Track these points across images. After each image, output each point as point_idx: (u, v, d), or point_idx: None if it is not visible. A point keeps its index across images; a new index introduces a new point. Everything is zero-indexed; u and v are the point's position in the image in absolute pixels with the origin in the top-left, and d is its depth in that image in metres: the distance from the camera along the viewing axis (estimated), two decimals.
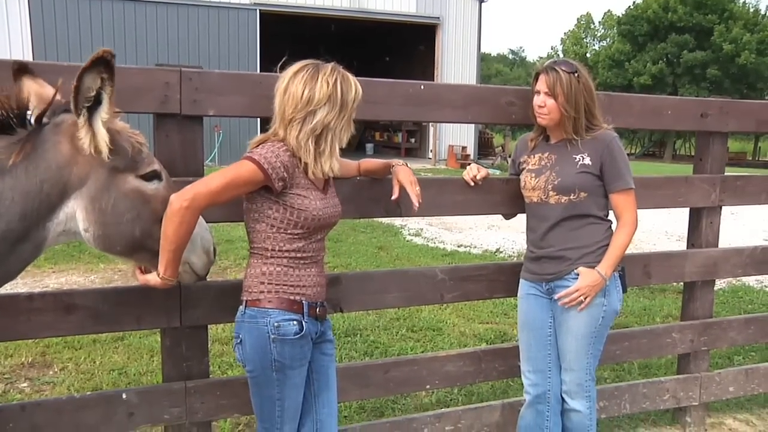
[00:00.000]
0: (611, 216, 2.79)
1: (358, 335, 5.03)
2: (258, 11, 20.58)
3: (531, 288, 2.86)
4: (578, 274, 2.68)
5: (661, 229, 10.37)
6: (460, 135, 24.08)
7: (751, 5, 45.66)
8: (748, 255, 3.64)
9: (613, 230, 2.76)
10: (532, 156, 2.85)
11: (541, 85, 2.68)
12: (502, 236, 9.59)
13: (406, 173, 2.56)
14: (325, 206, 2.23)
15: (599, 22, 57.39)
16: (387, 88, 2.76)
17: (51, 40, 17.66)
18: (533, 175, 2.79)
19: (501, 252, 8.60)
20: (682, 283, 3.70)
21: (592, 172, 2.68)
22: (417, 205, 2.50)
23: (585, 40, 56.41)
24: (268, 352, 2.16)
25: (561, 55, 53.54)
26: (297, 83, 2.14)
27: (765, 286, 7.14)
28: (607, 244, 2.71)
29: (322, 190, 2.26)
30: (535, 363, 2.86)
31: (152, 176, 2.02)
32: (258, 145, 2.18)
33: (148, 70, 2.39)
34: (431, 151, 24.21)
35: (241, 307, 2.23)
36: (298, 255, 2.21)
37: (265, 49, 20.02)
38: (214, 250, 2.22)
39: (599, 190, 2.72)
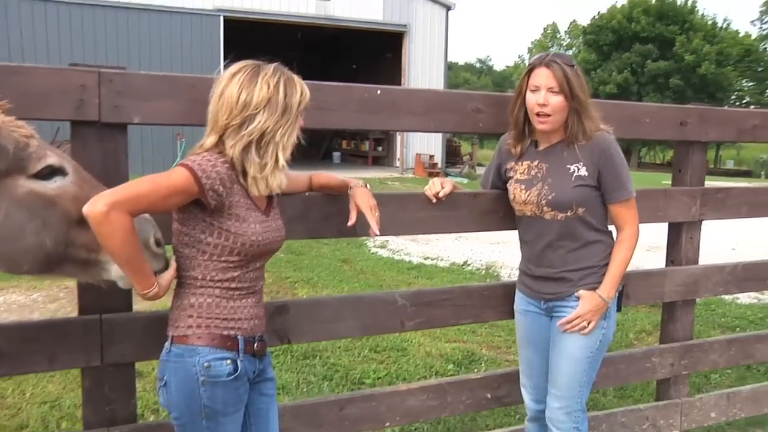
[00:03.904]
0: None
1: (317, 357, 4.72)
2: (221, 18, 20.15)
3: (529, 304, 2.62)
4: (578, 297, 2.45)
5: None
6: (427, 143, 23.90)
7: (709, 17, 46.67)
8: (730, 272, 3.43)
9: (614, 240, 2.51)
10: (519, 163, 2.54)
11: (544, 79, 2.33)
12: (470, 248, 9.36)
13: (364, 196, 2.27)
14: (266, 230, 1.93)
15: (565, 31, 58.16)
16: (340, 92, 2.47)
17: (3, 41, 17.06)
18: (523, 187, 2.50)
19: (468, 265, 8.35)
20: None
21: (589, 184, 2.41)
22: (377, 232, 2.22)
23: (551, 49, 56.94)
24: (197, 396, 1.87)
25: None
26: (233, 86, 1.87)
27: (736, 298, 7.00)
28: (609, 262, 2.47)
29: (263, 211, 1.96)
30: (536, 378, 2.67)
31: (50, 173, 1.70)
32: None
33: (60, 71, 2.06)
34: (398, 159, 24.00)
35: (167, 344, 1.92)
36: (233, 285, 1.91)
37: (229, 58, 19.60)
38: (157, 240, 1.89)
39: (597, 201, 2.45)
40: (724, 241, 10.16)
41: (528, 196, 2.48)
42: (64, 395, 3.93)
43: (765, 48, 49.95)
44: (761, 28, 50.23)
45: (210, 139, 1.89)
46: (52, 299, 6.09)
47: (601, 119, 2.47)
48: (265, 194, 1.95)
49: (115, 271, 1.83)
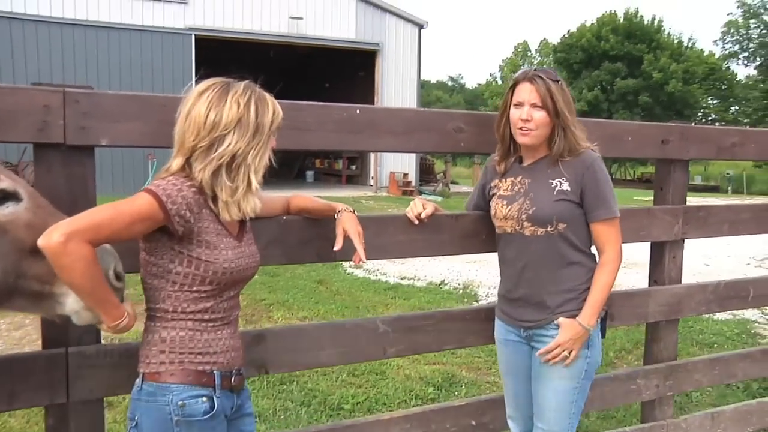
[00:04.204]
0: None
1: (294, 383, 4.60)
2: (193, 36, 19.99)
3: (509, 332, 2.53)
4: (558, 325, 2.36)
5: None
6: (401, 162, 23.91)
7: (675, 37, 47.72)
8: (712, 291, 3.40)
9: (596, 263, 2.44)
10: (503, 180, 2.48)
11: (528, 94, 2.28)
12: (446, 266, 9.29)
13: (352, 222, 2.17)
14: (239, 256, 1.83)
15: (536, 49, 58.86)
16: (317, 112, 2.38)
17: None
18: (505, 202, 2.43)
19: (446, 284, 8.28)
20: None
21: (572, 200, 2.33)
22: (364, 260, 2.13)
23: (522, 67, 57.76)
24: None
25: (500, 83, 54.47)
26: (201, 105, 1.77)
27: (713, 314, 7.01)
28: (590, 287, 2.38)
29: (235, 237, 1.86)
30: (524, 409, 2.58)
31: (2, 198, 1.59)
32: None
33: (22, 90, 1.95)
34: (372, 178, 23.96)
35: (138, 381, 1.80)
36: (206, 317, 1.80)
37: (201, 77, 19.40)
38: (117, 273, 1.77)
39: (580, 219, 2.37)
40: (697, 256, 10.25)
41: (509, 211, 2.41)
42: (28, 430, 3.75)
43: (728, 67, 51.15)
44: (723, 47, 51.52)
45: (176, 162, 1.79)
46: (16, 327, 5.87)
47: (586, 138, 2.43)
48: (237, 219, 1.85)
49: (69, 305, 1.71)
